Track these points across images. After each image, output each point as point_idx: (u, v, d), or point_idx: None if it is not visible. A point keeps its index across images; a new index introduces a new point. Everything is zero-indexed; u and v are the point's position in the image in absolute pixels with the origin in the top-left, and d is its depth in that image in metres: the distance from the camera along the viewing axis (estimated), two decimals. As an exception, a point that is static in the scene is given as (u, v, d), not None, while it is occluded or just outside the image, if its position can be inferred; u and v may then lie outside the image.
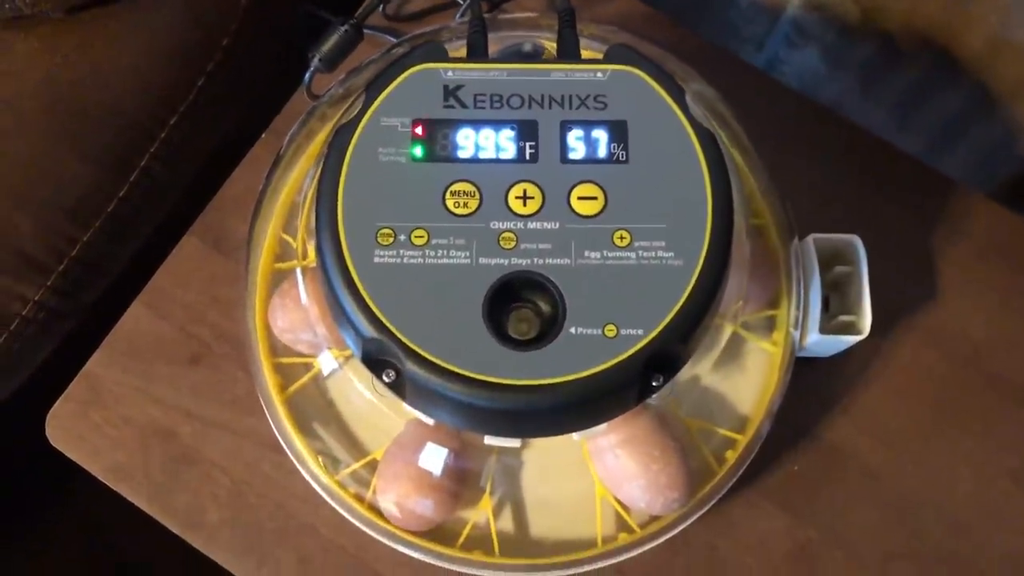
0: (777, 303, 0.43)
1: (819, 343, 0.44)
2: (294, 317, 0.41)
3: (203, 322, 0.49)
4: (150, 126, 0.56)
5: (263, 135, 0.51)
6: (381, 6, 0.43)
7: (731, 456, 0.42)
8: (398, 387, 0.33)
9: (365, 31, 0.43)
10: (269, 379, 0.43)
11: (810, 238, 0.44)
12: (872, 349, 0.48)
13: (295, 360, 0.43)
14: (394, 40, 0.52)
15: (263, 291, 0.44)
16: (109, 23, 0.55)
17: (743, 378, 0.44)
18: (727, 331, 0.40)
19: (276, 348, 0.43)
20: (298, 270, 0.41)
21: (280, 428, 0.43)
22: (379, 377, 0.34)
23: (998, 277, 0.50)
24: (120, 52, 0.54)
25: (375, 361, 0.33)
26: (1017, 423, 0.48)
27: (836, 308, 0.46)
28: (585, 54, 0.39)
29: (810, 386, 0.47)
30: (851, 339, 0.44)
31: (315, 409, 0.43)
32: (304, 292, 0.40)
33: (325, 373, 0.42)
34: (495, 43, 0.39)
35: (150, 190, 0.57)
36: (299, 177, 0.44)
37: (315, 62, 0.41)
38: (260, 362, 0.43)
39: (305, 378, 0.43)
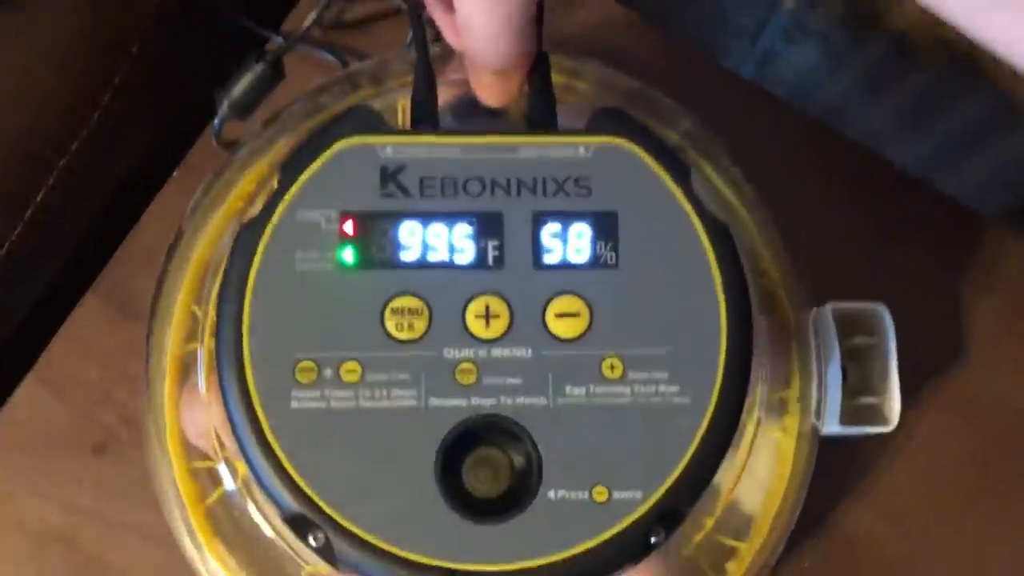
0: (787, 381, 0.37)
1: (838, 432, 0.37)
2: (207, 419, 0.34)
3: (108, 403, 0.41)
4: (47, 154, 0.48)
5: (175, 172, 0.44)
6: (315, 16, 0.35)
7: (734, 570, 0.36)
8: (329, 555, 0.26)
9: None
10: (183, 488, 0.36)
11: (828, 308, 0.37)
12: (893, 422, 0.42)
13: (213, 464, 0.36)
14: (331, 58, 0.44)
15: (174, 378, 0.36)
16: (-10, 32, 0.46)
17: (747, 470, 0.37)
18: (749, 430, 0.33)
19: (192, 449, 0.36)
20: (200, 354, 0.34)
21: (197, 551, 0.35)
22: (304, 542, 0.26)
23: (1039, 333, 0.44)
24: (5, 66, 0.46)
25: (299, 520, 0.26)
26: (1056, 503, 0.42)
27: (855, 381, 0.39)
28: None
29: (822, 467, 0.41)
30: (876, 430, 0.37)
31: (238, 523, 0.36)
32: (203, 383, 0.33)
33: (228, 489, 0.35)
34: (445, 89, 0.31)
35: (50, 228, 0.49)
36: (214, 236, 0.36)
37: (223, 109, 0.33)
38: (169, 469, 0.36)
39: (217, 493, 0.35)
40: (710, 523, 0.31)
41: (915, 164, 0.50)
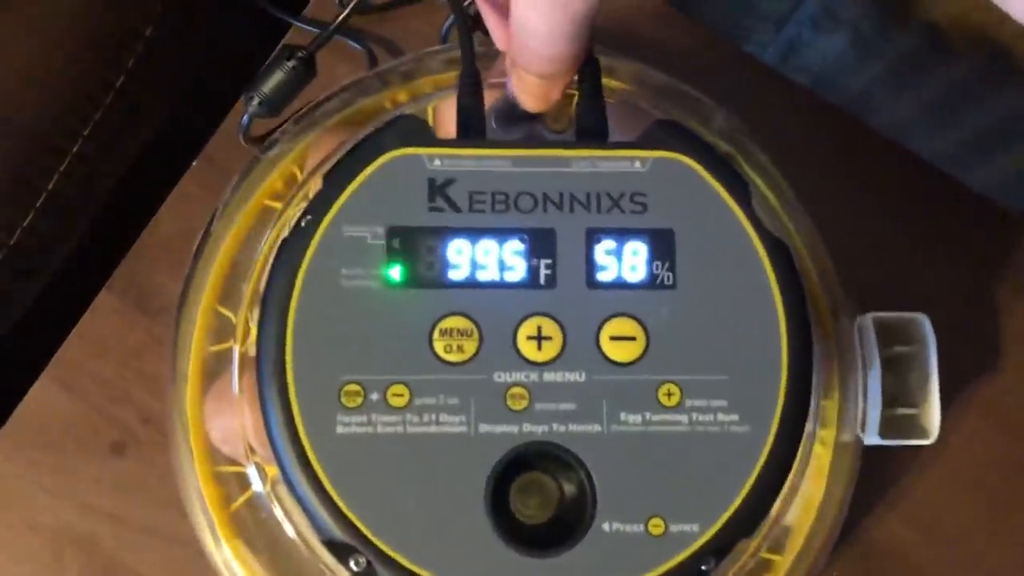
0: (827, 391, 0.36)
1: (877, 444, 0.36)
2: (236, 426, 0.33)
3: (126, 401, 0.40)
4: (59, 140, 0.46)
5: (194, 163, 0.42)
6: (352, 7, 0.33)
7: (768, 584, 0.35)
8: (371, 580, 0.25)
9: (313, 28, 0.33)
10: (206, 492, 0.35)
11: (869, 317, 0.36)
12: (925, 428, 0.41)
13: (240, 468, 0.35)
14: (358, 46, 0.42)
15: (197, 380, 0.35)
16: (-5, 17, 0.44)
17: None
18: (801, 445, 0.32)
19: (216, 453, 0.35)
20: (234, 356, 0.33)
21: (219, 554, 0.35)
22: (345, 565, 0.26)
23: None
24: (12, 52, 0.44)
25: (339, 545, 0.25)
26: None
27: (891, 390, 0.38)
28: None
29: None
30: (916, 443, 0.36)
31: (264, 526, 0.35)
32: (236, 386, 0.32)
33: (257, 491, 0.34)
34: (489, 92, 0.30)
35: (62, 216, 0.47)
36: (241, 234, 0.35)
37: (253, 105, 0.32)
38: (194, 472, 0.35)
39: (244, 496, 0.34)
40: (754, 544, 0.31)
41: (941, 157, 0.49)
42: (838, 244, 0.36)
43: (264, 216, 0.35)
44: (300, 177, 0.34)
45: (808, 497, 0.36)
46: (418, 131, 0.26)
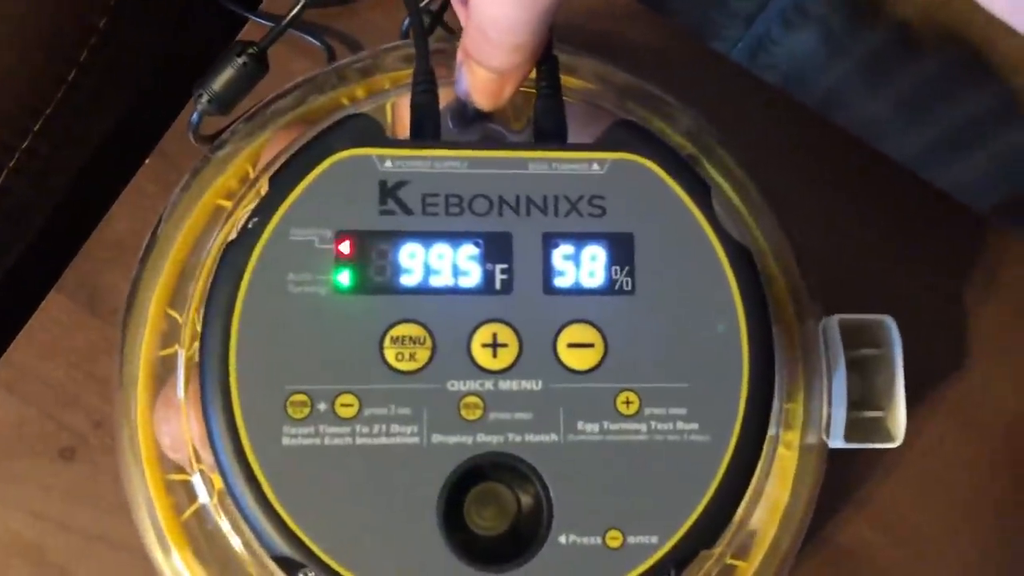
0: (791, 394, 0.35)
1: (842, 447, 0.36)
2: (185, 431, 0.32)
3: (76, 405, 0.39)
4: (7, 136, 0.45)
5: (147, 160, 0.41)
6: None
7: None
8: (321, 595, 0.25)
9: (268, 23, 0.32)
10: (157, 500, 0.34)
11: (835, 320, 0.36)
12: (891, 430, 0.40)
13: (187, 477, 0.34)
14: (314, 41, 0.41)
15: (147, 385, 0.34)
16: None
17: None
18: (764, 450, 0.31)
19: (166, 461, 0.34)
20: (179, 361, 0.32)
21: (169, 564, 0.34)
22: (294, 581, 0.25)
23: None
24: (-39, 44, 0.43)
25: (287, 561, 0.24)
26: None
27: (857, 393, 0.38)
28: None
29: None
30: (881, 446, 0.36)
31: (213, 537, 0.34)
32: (182, 391, 0.31)
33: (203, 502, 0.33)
34: (444, 90, 0.29)
35: (12, 214, 0.46)
36: (191, 235, 0.34)
37: (202, 103, 0.31)
38: (142, 480, 0.34)
39: (193, 507, 0.33)
40: (719, 550, 0.30)
41: (911, 156, 0.48)
42: (804, 245, 0.36)
43: (217, 216, 0.34)
44: (253, 175, 0.33)
45: (773, 501, 0.35)
46: (369, 131, 0.25)
